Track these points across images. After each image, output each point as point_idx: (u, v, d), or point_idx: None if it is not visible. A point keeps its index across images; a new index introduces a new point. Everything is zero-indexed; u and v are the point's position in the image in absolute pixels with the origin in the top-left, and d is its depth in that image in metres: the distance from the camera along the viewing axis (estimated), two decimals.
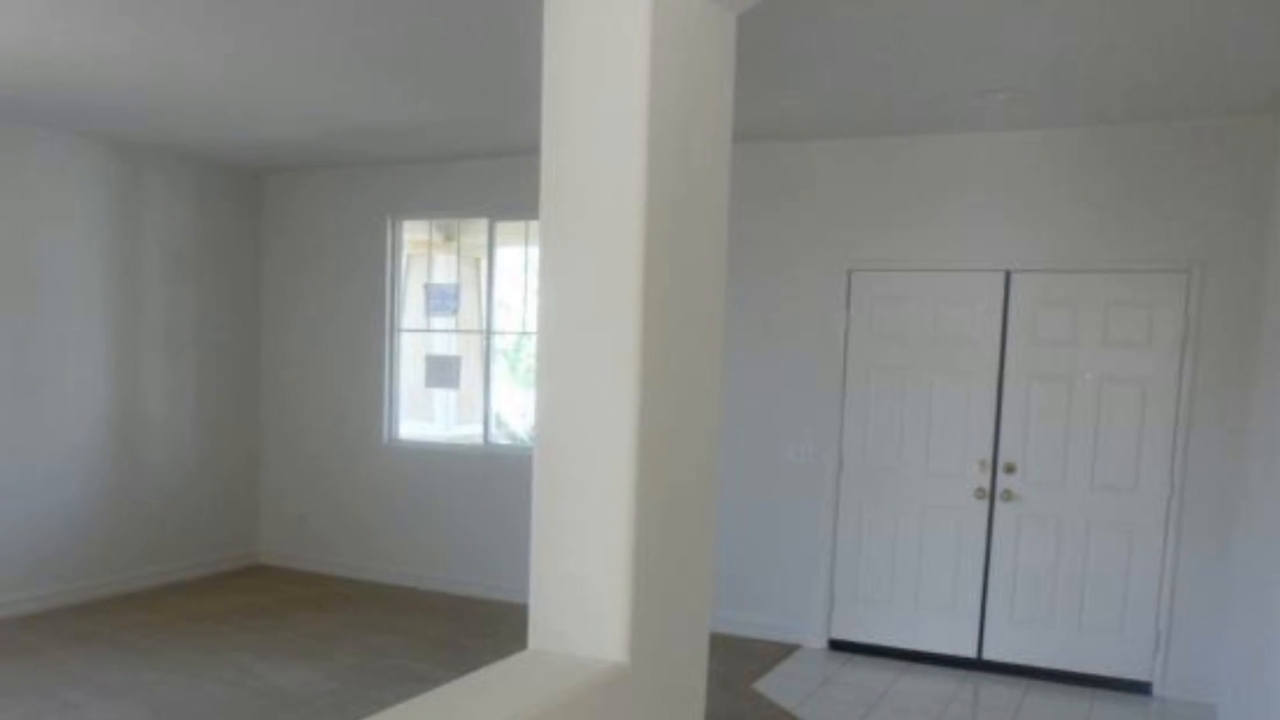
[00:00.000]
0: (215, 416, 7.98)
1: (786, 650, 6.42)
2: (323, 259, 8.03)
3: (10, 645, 6.06)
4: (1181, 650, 5.68)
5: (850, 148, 6.31)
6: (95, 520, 7.14)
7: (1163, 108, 5.32)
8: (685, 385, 2.81)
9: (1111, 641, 5.83)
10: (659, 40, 2.54)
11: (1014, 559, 6.02)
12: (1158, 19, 3.95)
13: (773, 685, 5.78)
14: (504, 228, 7.52)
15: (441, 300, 7.91)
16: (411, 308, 7.98)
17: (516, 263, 7.68)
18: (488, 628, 6.75)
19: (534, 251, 7.08)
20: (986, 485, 6.05)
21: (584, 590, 2.65)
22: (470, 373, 7.73)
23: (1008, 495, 6.01)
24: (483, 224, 7.58)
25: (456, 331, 7.94)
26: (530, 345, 7.65)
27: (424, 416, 8.40)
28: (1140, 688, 5.78)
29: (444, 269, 8.04)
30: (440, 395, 8.29)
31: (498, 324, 7.63)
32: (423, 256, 8.07)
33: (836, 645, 6.48)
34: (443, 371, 7.80)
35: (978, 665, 6.12)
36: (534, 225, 6.87)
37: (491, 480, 7.46)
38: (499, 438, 7.72)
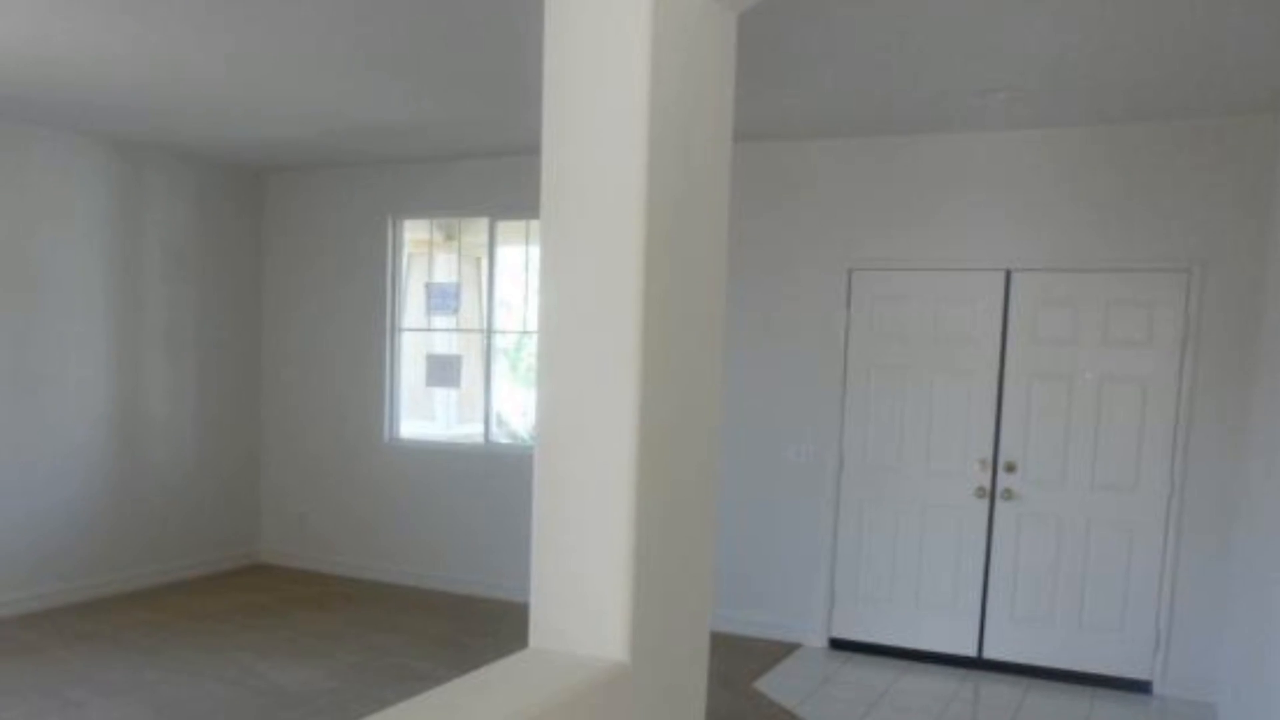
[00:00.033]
0: (216, 415, 7.99)
1: (787, 649, 6.43)
2: (324, 258, 8.04)
3: (12, 644, 6.07)
4: (1182, 649, 5.68)
5: (851, 147, 6.32)
6: (97, 519, 7.15)
7: (1163, 107, 5.32)
8: (686, 384, 2.81)
9: (1112, 640, 5.84)
10: (660, 39, 2.54)
11: (1014, 558, 6.03)
12: (1158, 18, 3.95)
13: (773, 684, 5.79)
14: (505, 227, 7.53)
15: (442, 299, 7.91)
16: (412, 307, 7.98)
17: (517, 262, 7.69)
18: (489, 626, 6.76)
19: (535, 250, 7.08)
20: (987, 484, 6.06)
21: (585, 589, 2.65)
22: (471, 372, 7.74)
23: (1008, 494, 6.01)
24: (483, 223, 7.58)
25: (457, 330, 7.94)
26: (531, 344, 7.66)
27: (425, 415, 8.41)
28: (1140, 686, 5.79)
29: (445, 268, 8.05)
30: (441, 394, 8.30)
31: (498, 323, 7.64)
32: (423, 255, 8.07)
33: (837, 644, 6.48)
34: (443, 370, 7.80)
35: (978, 664, 6.13)
36: (535, 224, 6.86)
37: (492, 479, 7.47)
38: (500, 437, 7.72)
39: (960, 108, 5.46)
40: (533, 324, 7.36)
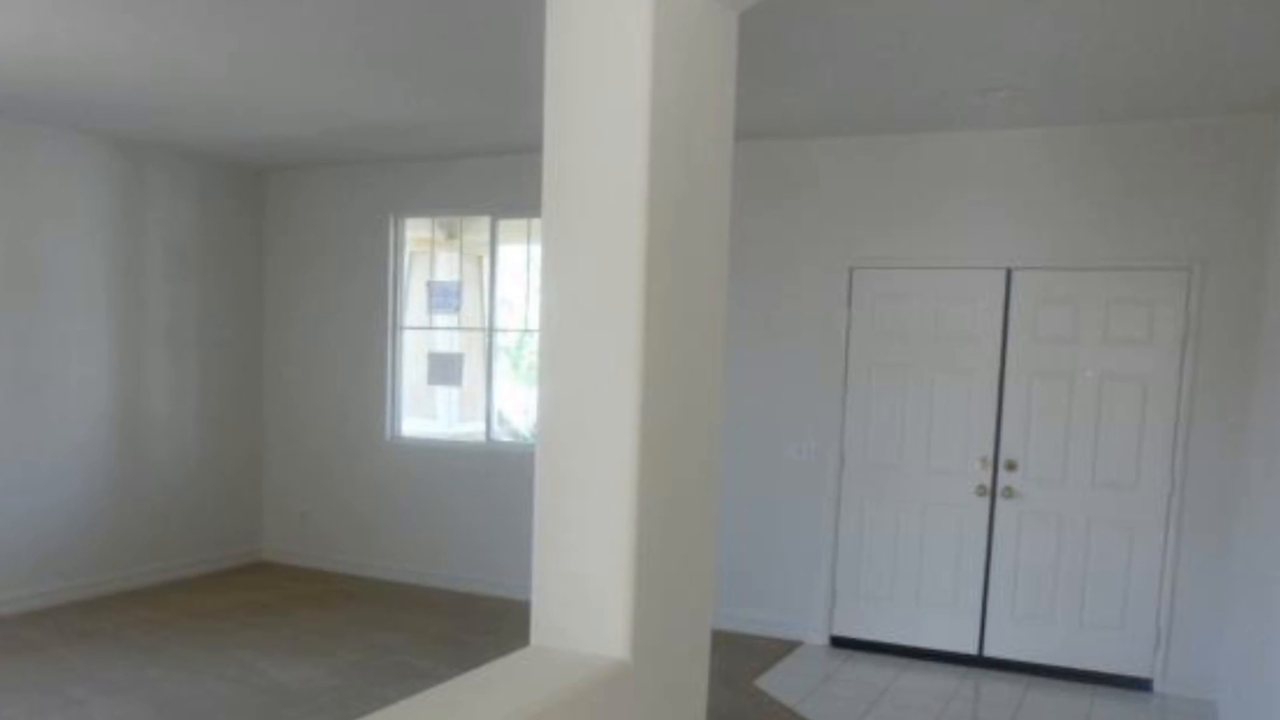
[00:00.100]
0: (218, 414, 8.00)
1: (788, 647, 6.44)
2: (325, 257, 8.04)
3: (14, 642, 6.08)
4: (1182, 647, 5.69)
5: (851, 145, 6.32)
6: (98, 517, 7.15)
7: (1163, 105, 5.32)
8: (687, 382, 2.82)
9: (1112, 638, 5.84)
10: (661, 39, 2.55)
11: (1015, 556, 6.03)
12: (1158, 17, 3.96)
13: (774, 682, 5.80)
14: (506, 225, 7.53)
15: (444, 298, 7.92)
16: (414, 305, 7.99)
17: (519, 260, 7.69)
18: (490, 624, 6.77)
19: (536, 249, 7.10)
20: (988, 482, 6.06)
21: (586, 587, 2.66)
22: (472, 370, 7.75)
23: (1009, 492, 6.01)
24: (485, 222, 7.59)
25: (459, 329, 7.95)
26: (532, 343, 7.67)
27: (426, 414, 8.42)
28: (1141, 684, 5.79)
29: (446, 267, 8.05)
30: (442, 393, 8.31)
31: (500, 321, 7.65)
32: (425, 254, 8.08)
33: (838, 642, 6.49)
34: (445, 369, 7.81)
35: (979, 662, 6.13)
36: (536, 223, 6.89)
37: (494, 477, 7.47)
38: (501, 435, 7.73)
39: (961, 106, 5.46)
40: (534, 322, 7.37)
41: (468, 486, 7.59)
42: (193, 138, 6.95)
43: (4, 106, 6.11)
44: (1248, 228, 5.46)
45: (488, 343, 7.64)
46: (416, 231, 8.00)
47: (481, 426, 7.69)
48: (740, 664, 6.03)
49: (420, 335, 8.01)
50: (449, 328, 8.00)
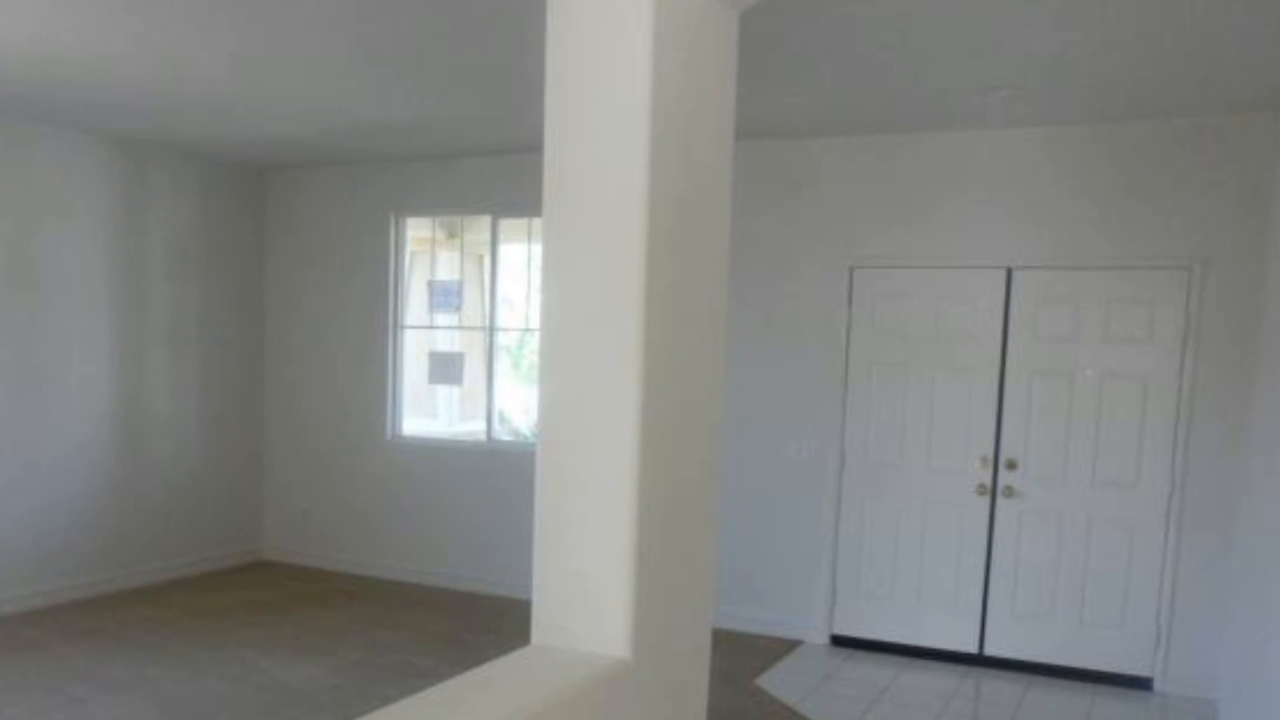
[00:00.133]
0: (219, 413, 8.00)
1: (789, 646, 6.44)
2: (326, 256, 8.05)
3: (15, 640, 6.09)
4: (1182, 646, 5.69)
5: (852, 145, 6.32)
6: (100, 516, 7.16)
7: (1164, 105, 5.32)
8: (688, 382, 2.82)
9: (1113, 637, 5.85)
10: (661, 38, 2.55)
11: (1015, 555, 6.04)
12: (1158, 16, 3.96)
13: (775, 681, 5.80)
14: (507, 225, 7.54)
15: (445, 297, 7.92)
16: (415, 304, 7.99)
17: (519, 259, 7.69)
18: (491, 623, 6.78)
19: (537, 248, 7.09)
20: (988, 481, 6.07)
21: (587, 586, 2.67)
22: (473, 369, 7.75)
23: (1009, 491, 6.02)
24: (486, 221, 7.59)
25: (459, 328, 7.96)
26: (533, 342, 7.67)
27: (427, 413, 8.43)
28: (1141, 683, 5.80)
29: (447, 266, 8.06)
30: (443, 392, 8.32)
31: (501, 321, 7.65)
32: (426, 253, 8.08)
33: (838, 641, 6.50)
34: (446, 368, 7.81)
35: (979, 661, 6.14)
36: (537, 222, 6.89)
37: (494, 476, 7.48)
38: (502, 434, 7.74)
39: (961, 106, 5.46)
40: (535, 321, 7.37)
41: (468, 486, 7.59)
42: (194, 137, 6.96)
43: (5, 106, 6.12)
44: (1248, 227, 5.47)
45: (488, 342, 7.65)
46: (417, 231, 8.01)
47: (482, 425, 7.69)
48: (741, 663, 6.04)
49: (421, 334, 8.02)
50: (450, 327, 8.01)
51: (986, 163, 6.01)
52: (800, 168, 6.45)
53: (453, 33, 4.45)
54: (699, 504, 2.95)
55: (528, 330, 7.71)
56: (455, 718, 2.27)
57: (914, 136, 6.16)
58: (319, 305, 8.09)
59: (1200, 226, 5.57)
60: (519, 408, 8.00)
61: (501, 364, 7.78)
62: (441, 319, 8.00)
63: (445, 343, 8.01)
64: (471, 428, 7.99)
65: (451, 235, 8.07)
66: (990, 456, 6.06)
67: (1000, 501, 6.05)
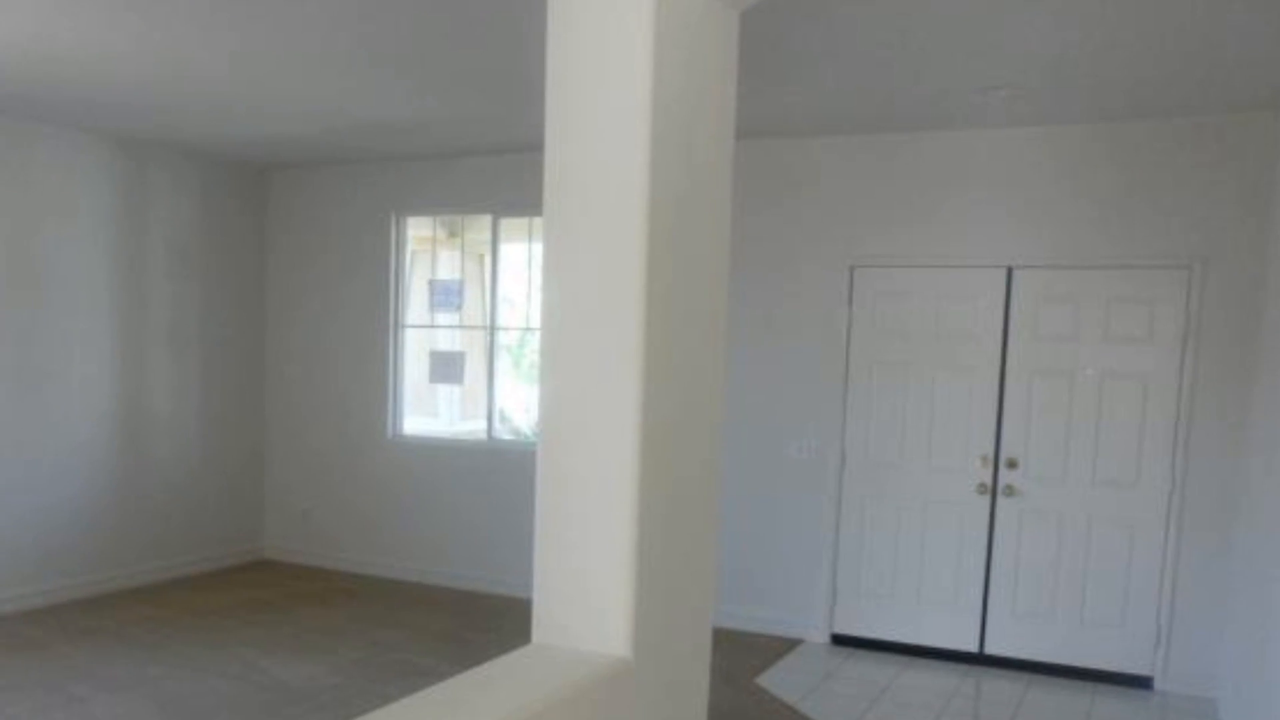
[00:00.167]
0: (220, 412, 8.01)
1: (789, 645, 6.44)
2: (327, 255, 8.05)
3: (17, 640, 6.10)
4: (1182, 645, 5.69)
5: (852, 144, 6.32)
6: (101, 515, 7.17)
7: (1164, 104, 5.33)
8: (688, 381, 2.83)
9: (1113, 636, 5.85)
10: (662, 37, 2.55)
11: (1016, 554, 6.04)
12: (1159, 16, 3.96)
13: (775, 680, 5.81)
14: (508, 224, 7.54)
15: (445, 296, 7.93)
16: (415, 304, 8.00)
17: (520, 259, 7.70)
18: (491, 622, 6.78)
19: (538, 247, 7.10)
20: (988, 480, 6.07)
21: (587, 585, 2.67)
22: (474, 368, 7.76)
23: (1009, 490, 6.02)
24: (486, 220, 7.59)
25: (460, 327, 7.96)
26: (534, 341, 7.68)
27: (428, 412, 8.43)
28: (1141, 682, 5.80)
29: (448, 265, 8.06)
30: (444, 391, 8.32)
31: (501, 320, 7.65)
32: (427, 253, 8.09)
33: (839, 640, 6.50)
34: (447, 367, 7.82)
35: (980, 660, 6.14)
36: (538, 221, 6.89)
37: (495, 475, 7.48)
38: (503, 433, 7.74)
39: (961, 105, 5.46)
40: (535, 321, 7.38)
41: (469, 485, 7.60)
42: (195, 136, 6.96)
43: (6, 105, 6.12)
44: (1248, 226, 5.47)
45: (489, 341, 7.65)
46: (418, 230, 8.01)
47: (483, 425, 7.70)
48: (741, 662, 6.04)
49: (422, 333, 8.02)
50: (450, 326, 8.01)
51: (987, 162, 6.01)
52: (801, 167, 6.45)
53: (453, 32, 4.45)
54: (699, 503, 2.95)
55: (528, 329, 7.72)
56: (456, 716, 2.28)
57: (914, 136, 6.16)
58: (320, 304, 8.09)
59: (1200, 226, 5.58)
60: (520, 407, 8.01)
61: (502, 363, 7.78)
62: (442, 318, 8.00)
63: (446, 342, 8.01)
64: (472, 427, 8.00)
65: (452, 234, 8.07)
66: (990, 456, 6.06)
67: (1000, 501, 6.05)
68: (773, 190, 6.50)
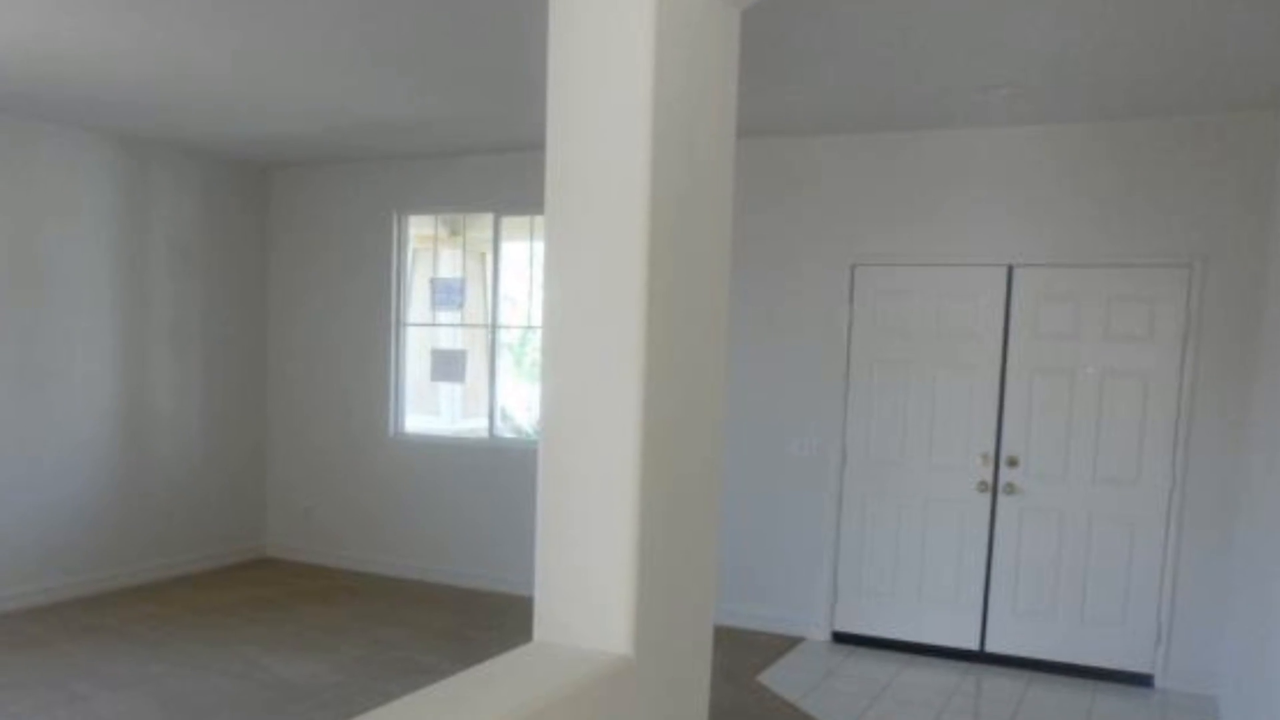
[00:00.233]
0: (222, 410, 8.02)
1: (790, 642, 6.45)
2: (329, 253, 8.06)
3: (19, 637, 6.11)
4: (1183, 642, 5.70)
5: (853, 143, 6.33)
6: (103, 513, 7.18)
7: (1164, 103, 5.33)
8: (690, 379, 2.83)
9: (1113, 634, 5.86)
10: (663, 36, 2.56)
11: (1016, 552, 6.04)
12: (1159, 14, 3.96)
13: (777, 677, 5.81)
14: (509, 222, 7.54)
15: (447, 294, 7.93)
16: (417, 302, 8.00)
17: (522, 257, 7.70)
18: (493, 620, 6.79)
19: (539, 246, 7.10)
20: (989, 478, 6.08)
21: (589, 583, 2.68)
22: (475, 367, 7.77)
23: (1010, 488, 6.03)
24: (488, 219, 7.60)
25: (462, 326, 7.97)
26: (535, 339, 7.68)
27: (429, 410, 8.44)
28: (1142, 680, 5.81)
29: (449, 263, 8.06)
30: (446, 389, 8.33)
31: (503, 318, 7.66)
32: (428, 251, 8.09)
33: (840, 638, 6.51)
34: (448, 365, 7.83)
35: (980, 657, 6.15)
36: (539, 220, 6.89)
37: (497, 474, 7.49)
38: (504, 431, 7.75)
39: (962, 103, 5.47)
40: (537, 319, 7.38)
41: (471, 483, 7.60)
42: (197, 135, 6.97)
43: (9, 104, 6.13)
44: (1248, 224, 5.47)
45: (491, 339, 7.66)
46: (419, 228, 8.02)
47: (484, 423, 7.70)
48: (743, 659, 6.05)
49: (423, 332, 8.03)
50: (452, 324, 8.02)
51: (988, 160, 6.01)
52: (802, 165, 6.46)
53: (455, 31, 4.46)
54: (701, 501, 2.96)
55: (530, 328, 7.72)
56: (457, 714, 2.28)
57: (915, 134, 6.17)
58: (321, 303, 8.10)
59: (1201, 224, 5.58)
60: (521, 405, 8.01)
61: (504, 361, 7.79)
62: (444, 316, 8.01)
63: (447, 340, 8.02)
64: (474, 425, 8.00)
65: (454, 233, 8.08)
66: (991, 454, 6.07)
67: (1001, 498, 6.06)
68: (774, 189, 6.50)
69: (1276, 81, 4.84)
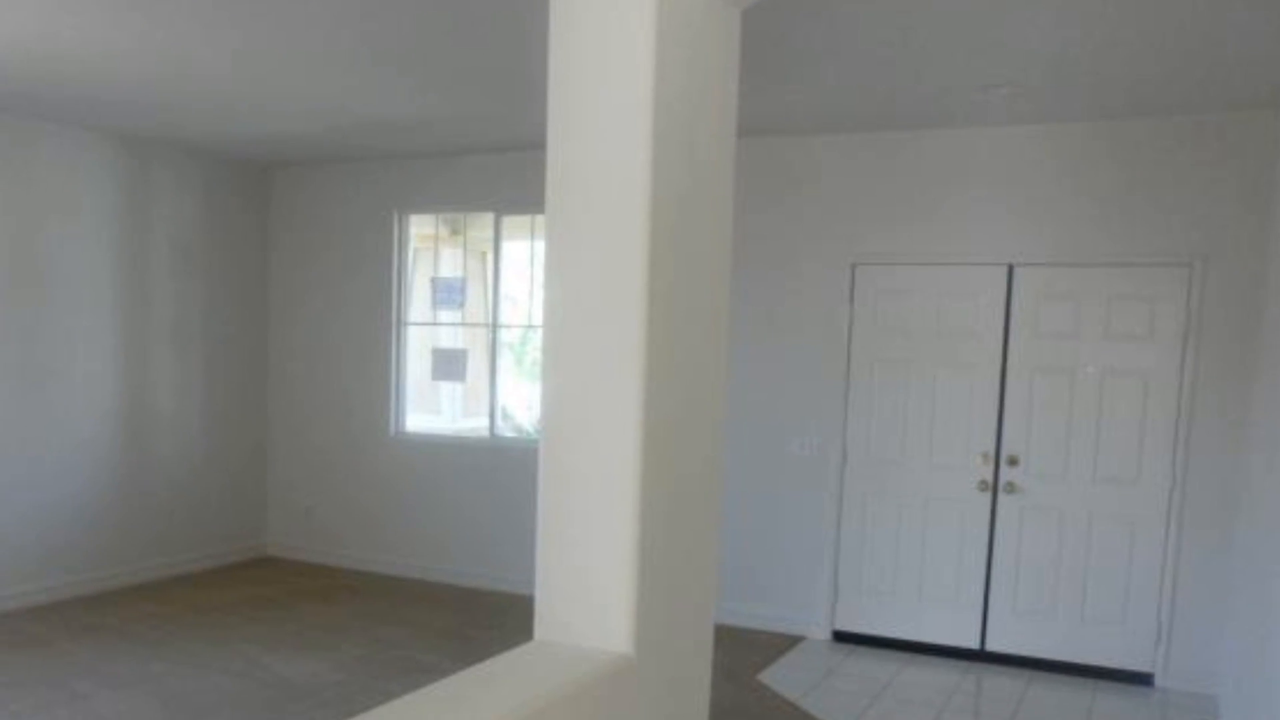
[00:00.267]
0: (223, 409, 8.02)
1: (791, 641, 6.46)
2: (330, 253, 8.06)
3: (20, 636, 6.11)
4: (1183, 641, 5.70)
5: (854, 142, 6.33)
6: (104, 512, 7.18)
7: (1164, 102, 5.33)
8: (690, 378, 2.84)
9: (1113, 633, 5.86)
10: (664, 35, 2.56)
11: (1017, 551, 6.05)
12: (1159, 14, 3.97)
13: (777, 676, 5.82)
14: (510, 222, 7.55)
15: (448, 294, 7.94)
16: (418, 301, 8.01)
17: (522, 256, 7.71)
18: (494, 619, 6.79)
19: (540, 245, 7.11)
20: (989, 478, 6.08)
21: (589, 582, 2.68)
22: (476, 366, 7.77)
23: (1010, 488, 6.03)
24: (489, 218, 7.60)
25: (463, 325, 7.98)
26: (536, 338, 7.68)
27: (430, 409, 8.44)
28: (1142, 679, 5.81)
29: (450, 263, 8.07)
30: (446, 388, 8.33)
31: (504, 317, 7.66)
32: (429, 250, 8.10)
33: (840, 637, 6.51)
34: (449, 365, 7.83)
35: (981, 656, 6.15)
36: (540, 219, 6.90)
37: (497, 473, 7.50)
38: (505, 430, 7.75)
39: (963, 103, 5.47)
40: (538, 318, 7.39)
41: (471, 482, 7.61)
42: (198, 134, 6.97)
43: (10, 103, 6.13)
44: (1249, 224, 5.47)
45: (491, 339, 7.66)
46: (420, 228, 8.02)
47: (485, 422, 7.71)
48: (743, 658, 6.05)
49: (424, 331, 8.03)
50: (453, 324, 8.02)
51: (988, 160, 6.01)
52: (802, 165, 6.46)
53: (456, 30, 4.46)
54: (701, 500, 2.96)
55: (530, 327, 7.73)
56: (458, 713, 2.29)
57: (915, 134, 6.17)
58: (322, 302, 8.10)
59: (1201, 224, 5.58)
60: (522, 404, 8.02)
61: (504, 360, 7.79)
62: (444, 316, 8.01)
63: (448, 339, 8.02)
64: (474, 424, 8.01)
65: (454, 232, 8.08)
66: (991, 453, 6.07)
67: (1001, 498, 6.06)
68: (774, 188, 6.51)
69: (1276, 81, 4.84)
